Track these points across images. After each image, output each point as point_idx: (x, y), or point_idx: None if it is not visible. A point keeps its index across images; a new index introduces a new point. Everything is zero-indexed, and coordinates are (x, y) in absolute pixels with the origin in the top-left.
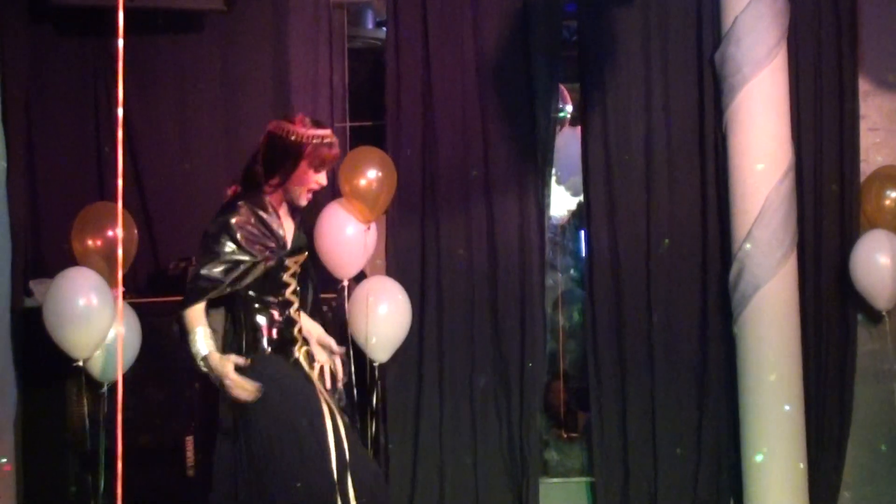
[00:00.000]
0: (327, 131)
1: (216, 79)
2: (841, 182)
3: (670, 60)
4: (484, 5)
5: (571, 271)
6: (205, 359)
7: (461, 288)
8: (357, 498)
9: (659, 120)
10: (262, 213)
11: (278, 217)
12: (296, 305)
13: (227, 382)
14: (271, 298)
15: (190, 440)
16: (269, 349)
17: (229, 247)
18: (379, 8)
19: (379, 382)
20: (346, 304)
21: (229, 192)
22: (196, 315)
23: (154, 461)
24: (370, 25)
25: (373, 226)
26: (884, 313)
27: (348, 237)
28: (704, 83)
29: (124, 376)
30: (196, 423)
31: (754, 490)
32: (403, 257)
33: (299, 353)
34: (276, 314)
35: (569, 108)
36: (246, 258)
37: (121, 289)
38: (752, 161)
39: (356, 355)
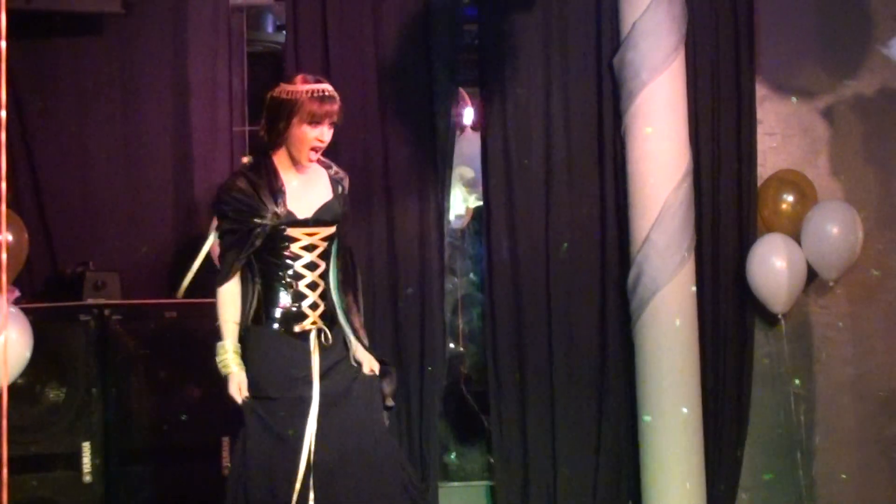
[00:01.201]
0: (322, 85)
1: (116, 81)
2: (738, 186)
3: (570, 65)
4: (384, 9)
5: (471, 275)
6: (220, 347)
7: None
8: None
9: (558, 124)
10: (256, 181)
11: (280, 187)
12: (309, 279)
13: (228, 377)
14: (279, 270)
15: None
16: (274, 325)
17: (221, 219)
18: (279, 12)
19: None
20: None
21: (244, 160)
22: (223, 307)
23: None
24: (270, 29)
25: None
26: (780, 317)
27: None
28: (604, 87)
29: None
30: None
31: (653, 493)
32: None
33: (311, 328)
34: (283, 287)
35: (469, 111)
36: (234, 226)
37: (5, 294)
38: (651, 165)
39: None
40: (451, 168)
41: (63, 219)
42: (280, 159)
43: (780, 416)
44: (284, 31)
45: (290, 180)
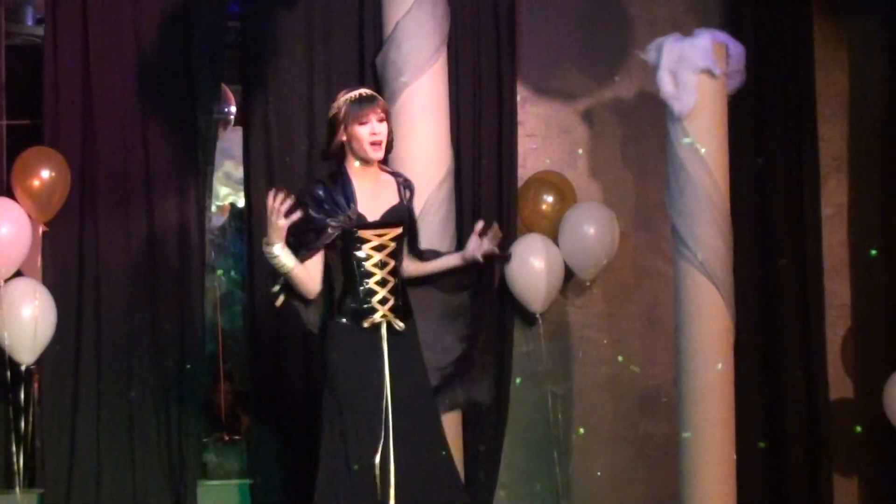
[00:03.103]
0: (358, 90)
1: None
2: (499, 186)
3: (333, 63)
4: (145, 4)
5: (232, 272)
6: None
7: (120, 289)
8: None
9: (321, 121)
10: (331, 187)
11: (352, 192)
12: (378, 276)
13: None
14: (351, 267)
15: None
16: (344, 319)
17: (300, 221)
18: (38, 4)
19: (35, 385)
20: None
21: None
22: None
23: None
24: (30, 22)
25: (27, 225)
26: (538, 316)
27: (5, 237)
28: (367, 86)
29: None
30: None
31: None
32: (60, 259)
33: (380, 320)
34: (354, 284)
35: (232, 108)
36: (310, 226)
37: None
38: (413, 165)
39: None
40: (212, 165)
41: None
42: (351, 168)
43: (539, 414)
44: (44, 24)
45: (362, 187)
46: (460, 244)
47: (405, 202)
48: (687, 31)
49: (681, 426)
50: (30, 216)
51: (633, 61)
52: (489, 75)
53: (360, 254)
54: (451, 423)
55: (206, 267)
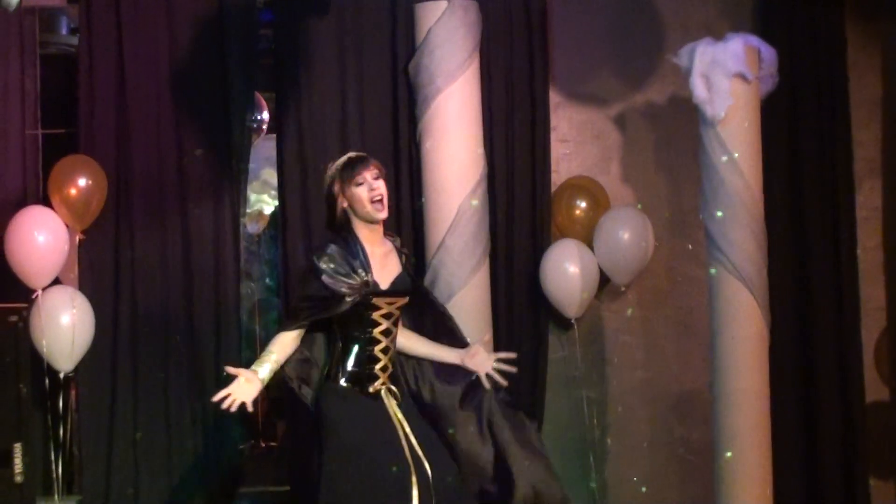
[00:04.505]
0: (349, 154)
1: None
2: (532, 192)
3: (365, 70)
4: (179, 12)
5: (267, 280)
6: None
7: (156, 297)
8: None
9: (354, 129)
10: (347, 254)
11: (366, 258)
12: (383, 345)
13: (231, 386)
14: (357, 334)
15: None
16: (345, 382)
17: (311, 282)
18: (73, 14)
19: (73, 392)
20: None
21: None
22: (275, 342)
23: None
24: (64, 31)
25: (64, 234)
26: (572, 321)
27: (42, 245)
28: (399, 93)
29: None
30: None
31: None
32: (97, 267)
33: (380, 388)
34: (359, 350)
35: (265, 115)
36: (324, 293)
37: None
38: (446, 171)
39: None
40: (246, 173)
41: None
42: (361, 232)
43: (573, 420)
44: (78, 34)
45: (373, 252)
46: (493, 253)
47: (408, 272)
48: (719, 35)
49: (716, 431)
50: (67, 225)
51: (666, 66)
52: (521, 81)
53: (370, 321)
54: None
55: (240, 274)
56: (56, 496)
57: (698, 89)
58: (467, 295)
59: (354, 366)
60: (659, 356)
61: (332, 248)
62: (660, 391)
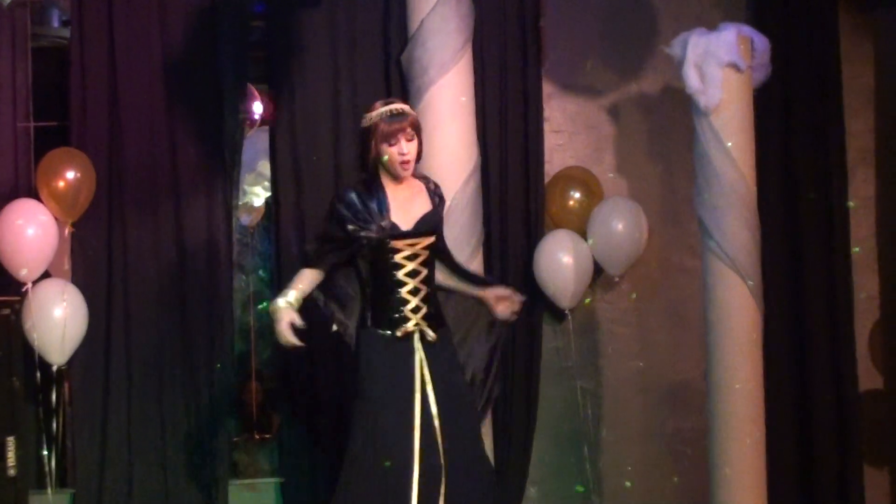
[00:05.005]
0: (391, 106)
1: None
2: (526, 183)
3: (358, 61)
4: (171, 5)
5: (260, 272)
6: (272, 305)
7: (149, 289)
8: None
9: (347, 120)
10: (367, 199)
11: (385, 201)
12: (411, 286)
13: (276, 329)
14: (384, 276)
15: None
16: (379, 328)
17: (330, 225)
18: (64, 6)
19: (65, 384)
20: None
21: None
22: (298, 276)
23: None
24: (56, 24)
25: (53, 227)
26: (567, 312)
27: (32, 238)
28: (392, 84)
29: None
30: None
31: None
32: (89, 260)
33: (413, 329)
34: (388, 292)
35: (258, 108)
36: (341, 235)
37: None
38: (439, 162)
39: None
40: (239, 165)
41: None
42: (385, 177)
43: (567, 410)
44: (70, 26)
45: (395, 196)
46: (487, 243)
47: (437, 209)
48: (712, 25)
49: (710, 421)
50: (56, 217)
51: (659, 56)
52: (514, 72)
53: (393, 263)
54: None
55: (234, 266)
56: (49, 490)
57: (691, 79)
58: None
59: (385, 309)
60: (653, 346)
61: (352, 196)
62: (654, 381)
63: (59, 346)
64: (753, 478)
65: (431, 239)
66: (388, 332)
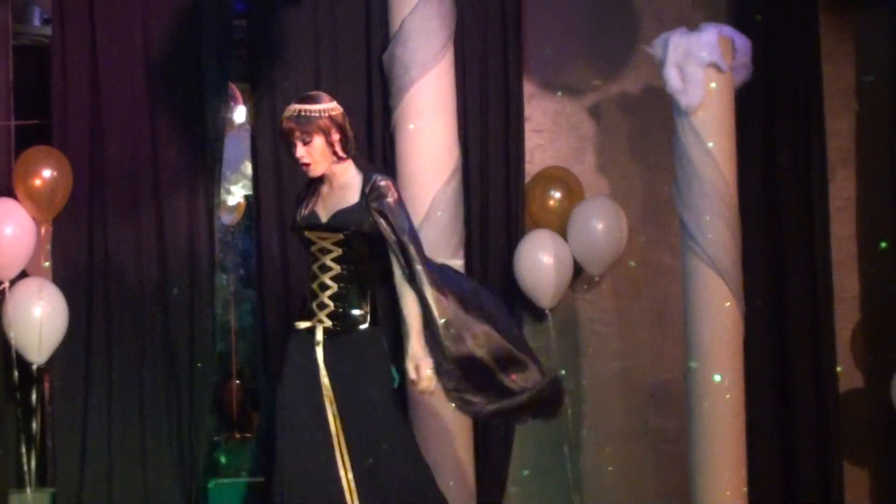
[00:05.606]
0: (291, 106)
1: None
2: (507, 183)
3: (340, 60)
4: (153, 3)
5: (241, 271)
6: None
7: (130, 288)
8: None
9: None
10: (303, 190)
11: (314, 193)
12: (319, 280)
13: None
14: (309, 270)
15: None
16: (298, 318)
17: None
18: (45, 4)
19: (46, 384)
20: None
21: None
22: None
23: None
24: (37, 22)
25: (30, 225)
26: (547, 311)
27: (9, 237)
28: (373, 84)
29: None
30: None
31: None
32: (70, 258)
33: (314, 324)
34: (308, 283)
35: (241, 107)
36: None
37: None
38: (420, 161)
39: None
40: (221, 163)
41: None
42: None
43: None
44: (51, 24)
45: (327, 185)
46: (468, 244)
47: (362, 205)
48: (693, 26)
49: (691, 420)
50: (33, 216)
51: (640, 56)
52: (496, 71)
53: (310, 254)
54: (461, 420)
55: (215, 265)
56: (28, 489)
57: (672, 79)
58: None
59: (306, 300)
60: (633, 346)
61: (302, 189)
62: (635, 381)
63: (37, 345)
64: (734, 476)
65: (340, 235)
66: (295, 324)
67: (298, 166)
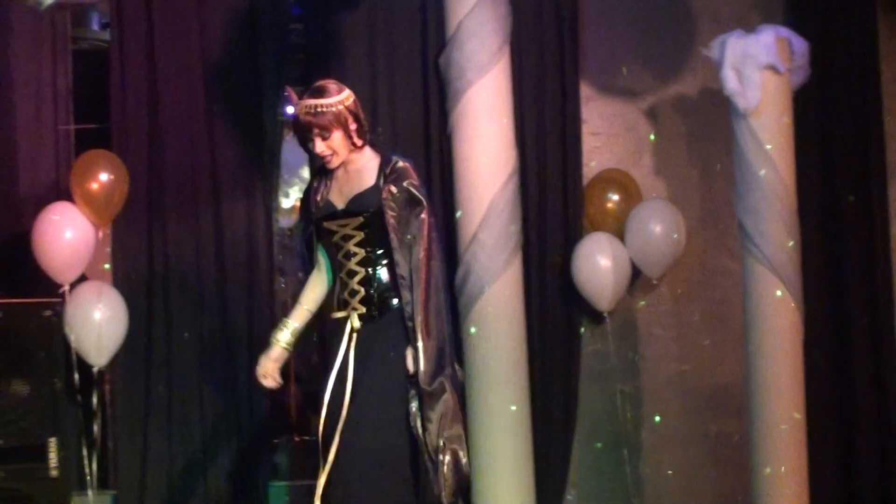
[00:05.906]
0: (303, 101)
1: None
2: (564, 185)
3: (396, 64)
4: (210, 6)
5: (300, 274)
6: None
7: (188, 291)
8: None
9: (385, 122)
10: (319, 176)
11: (328, 182)
12: (346, 268)
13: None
14: (332, 261)
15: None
16: (330, 311)
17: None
18: (104, 9)
19: (107, 386)
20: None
21: None
22: (306, 282)
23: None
24: (95, 27)
25: (89, 229)
26: (605, 314)
27: (68, 241)
28: (430, 87)
29: None
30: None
31: (481, 488)
32: (129, 262)
33: (347, 314)
34: (334, 276)
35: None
36: (300, 223)
37: None
38: (477, 165)
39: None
40: (278, 166)
41: None
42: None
43: (607, 414)
44: (109, 29)
45: (343, 172)
46: (526, 247)
47: (378, 186)
48: (750, 27)
49: (751, 424)
50: (90, 220)
51: (697, 58)
52: (552, 74)
53: (333, 244)
54: (521, 423)
55: (274, 268)
56: (90, 492)
57: (730, 81)
58: (499, 289)
59: (336, 292)
60: (692, 349)
61: (312, 180)
62: (694, 384)
63: (97, 348)
64: (795, 480)
65: (360, 219)
66: (332, 315)
67: (317, 159)
